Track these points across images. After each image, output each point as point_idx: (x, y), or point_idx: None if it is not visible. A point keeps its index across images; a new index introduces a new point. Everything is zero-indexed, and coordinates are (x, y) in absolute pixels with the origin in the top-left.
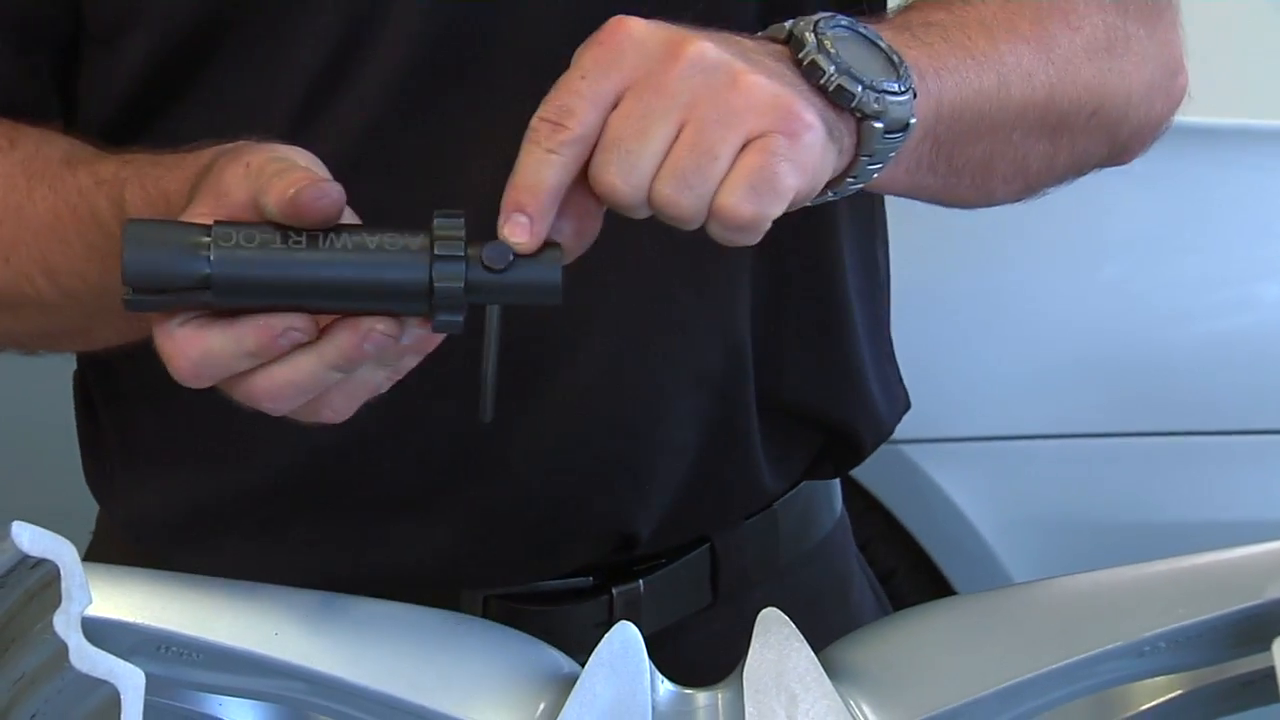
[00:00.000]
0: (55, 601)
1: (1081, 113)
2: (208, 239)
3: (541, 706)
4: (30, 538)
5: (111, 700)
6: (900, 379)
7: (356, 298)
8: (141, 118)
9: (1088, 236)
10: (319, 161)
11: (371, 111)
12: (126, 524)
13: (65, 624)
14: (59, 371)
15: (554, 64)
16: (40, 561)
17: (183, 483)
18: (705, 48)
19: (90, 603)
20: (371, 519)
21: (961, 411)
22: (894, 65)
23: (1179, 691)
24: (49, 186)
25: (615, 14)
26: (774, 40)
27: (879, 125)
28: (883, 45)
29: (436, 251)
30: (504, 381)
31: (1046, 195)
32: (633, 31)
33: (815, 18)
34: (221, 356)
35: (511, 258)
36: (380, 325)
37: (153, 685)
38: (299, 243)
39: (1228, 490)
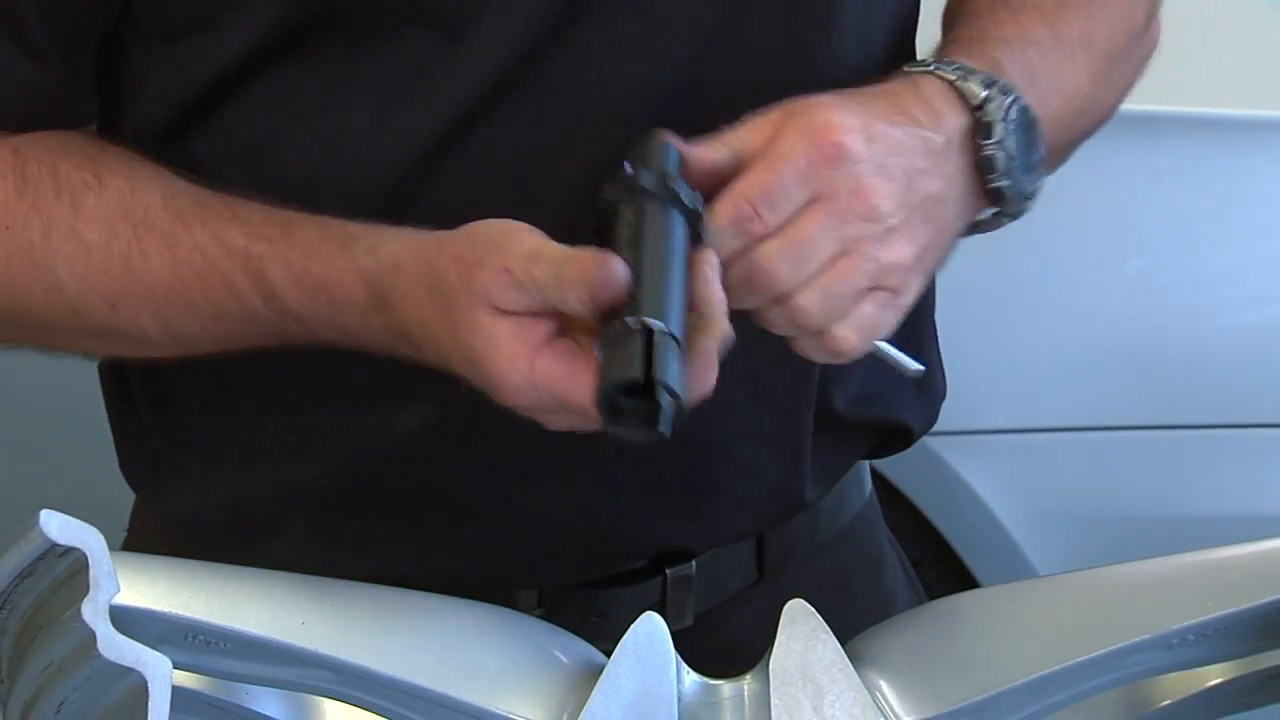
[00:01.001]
0: (83, 590)
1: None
2: None
3: (568, 698)
4: (59, 526)
5: (139, 688)
6: (941, 361)
7: None
8: (204, 116)
9: (1113, 229)
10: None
11: (450, 118)
12: (169, 519)
13: (93, 612)
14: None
15: (635, 72)
16: (68, 550)
17: (231, 480)
18: (893, 189)
19: (118, 591)
20: (430, 523)
21: (985, 404)
22: (1042, 154)
23: (1208, 684)
24: (161, 241)
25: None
26: (966, 103)
27: (1005, 219)
28: (1040, 130)
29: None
30: None
31: (1072, 189)
32: (853, 150)
33: (1011, 97)
34: None
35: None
36: None
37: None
38: None
39: (1255, 484)
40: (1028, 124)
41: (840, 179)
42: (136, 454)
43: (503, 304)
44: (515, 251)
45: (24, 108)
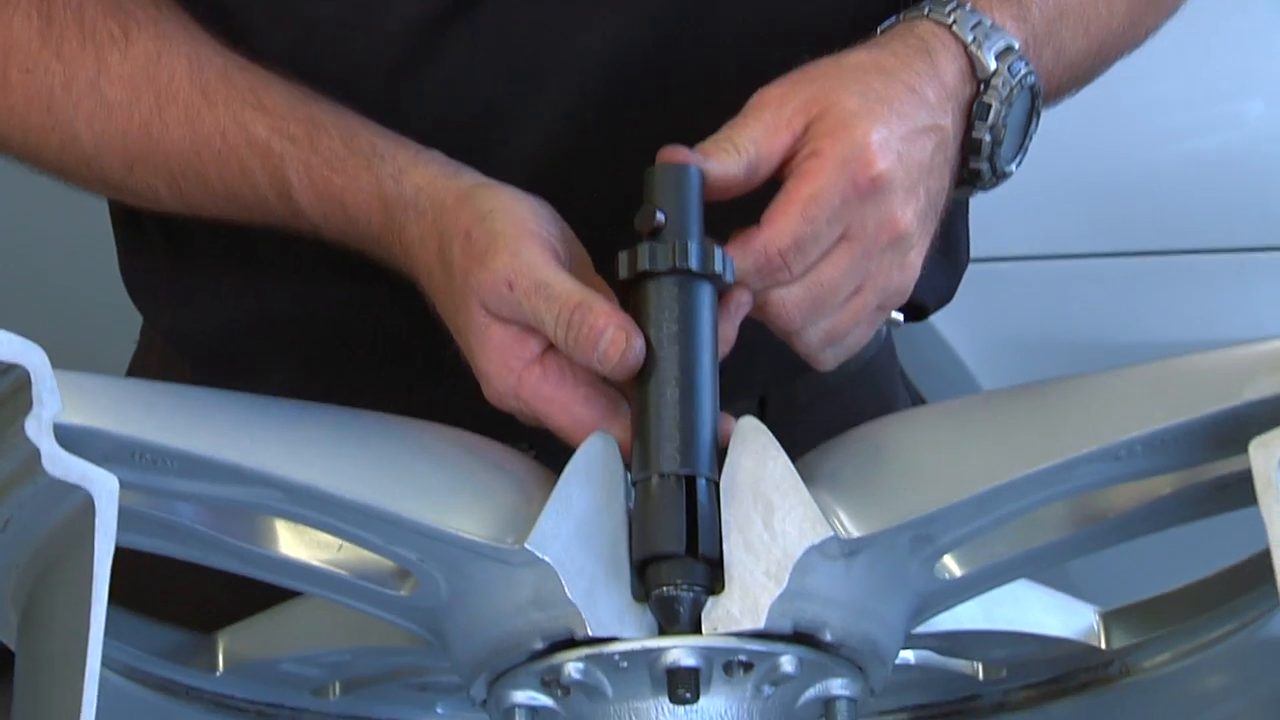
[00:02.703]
0: (26, 406)
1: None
2: None
3: (517, 516)
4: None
5: (85, 506)
6: (968, 232)
7: None
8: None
9: None
10: (555, 217)
11: (541, 145)
12: (170, 335)
13: (37, 428)
14: None
15: (729, 97)
16: (10, 367)
17: (232, 302)
18: (918, 209)
19: (61, 408)
20: (427, 369)
21: None
22: (1032, 134)
23: (1156, 496)
24: (183, 115)
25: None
26: (974, 74)
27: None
28: (1039, 105)
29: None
30: None
31: None
32: (889, 181)
33: (1019, 75)
34: None
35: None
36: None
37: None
38: None
39: (1209, 309)
40: (1027, 104)
41: (871, 212)
42: (137, 262)
43: (497, 312)
44: (523, 270)
45: None
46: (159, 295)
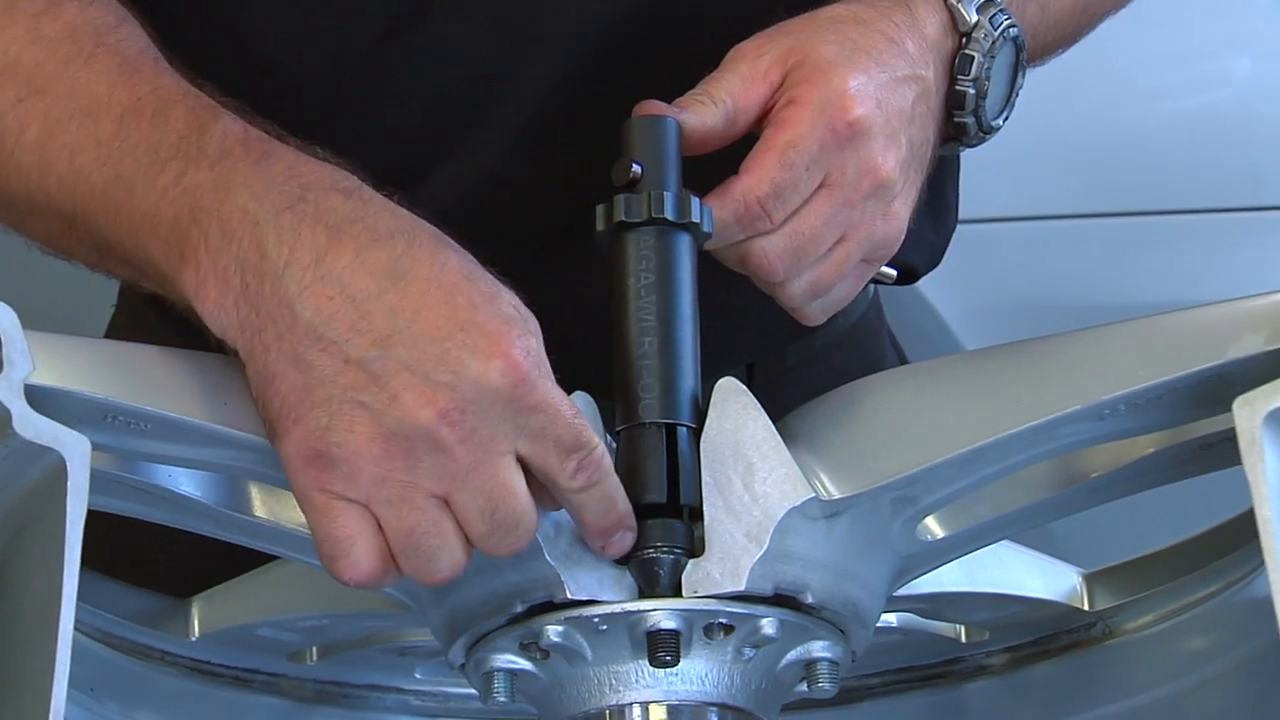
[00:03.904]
0: None
1: None
2: None
3: None
4: None
5: (57, 468)
6: (958, 195)
7: None
8: None
9: None
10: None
11: (533, 110)
12: (148, 296)
13: (8, 389)
14: None
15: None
16: None
17: None
18: (900, 157)
19: (33, 369)
20: None
21: None
22: (1017, 88)
23: (1140, 455)
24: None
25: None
26: (955, 26)
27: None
28: (1024, 58)
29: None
30: None
31: None
32: (868, 126)
33: (1000, 26)
34: None
35: None
36: None
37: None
38: None
39: (1194, 270)
40: (1011, 58)
41: (850, 159)
42: None
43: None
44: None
45: None
46: None
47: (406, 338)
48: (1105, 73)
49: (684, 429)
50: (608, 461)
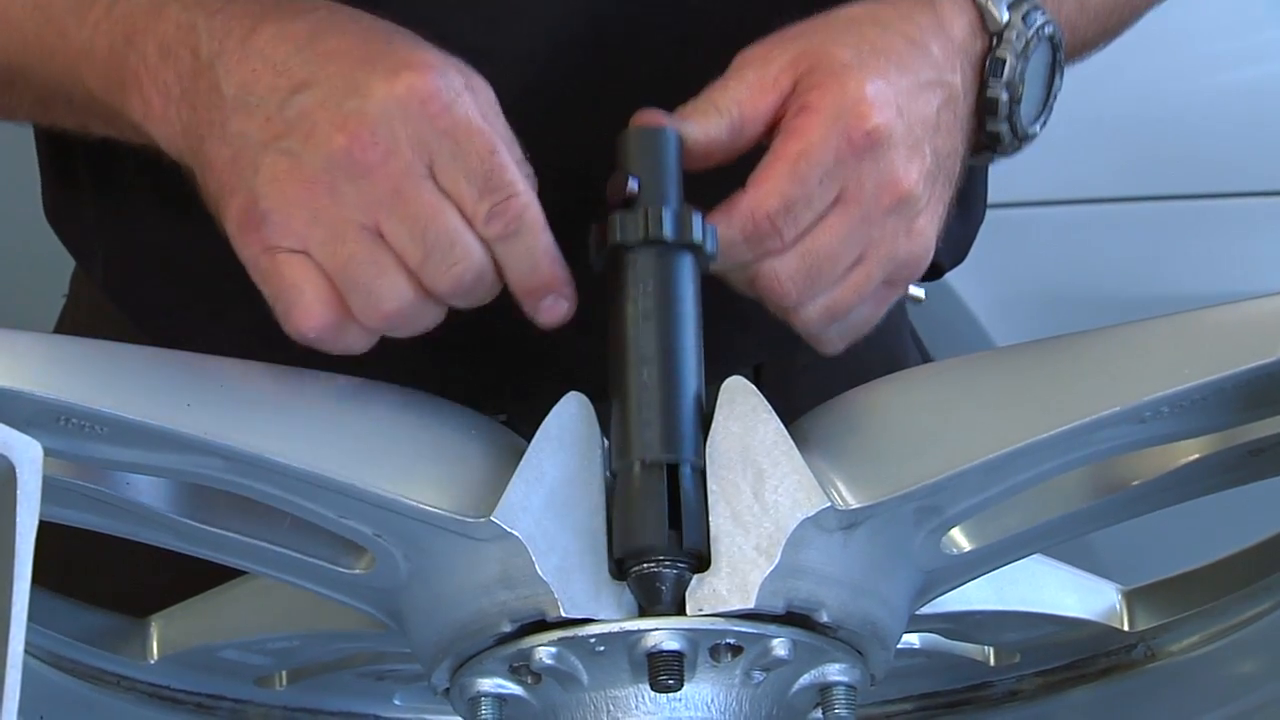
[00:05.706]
0: None
1: None
2: None
3: (485, 486)
4: None
5: (5, 475)
6: (986, 187)
7: None
8: None
9: None
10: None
11: (516, 88)
12: (103, 282)
13: None
14: None
15: (714, 43)
16: None
17: (165, 231)
18: (923, 169)
19: None
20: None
21: None
22: (1056, 83)
23: (1184, 461)
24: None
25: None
26: (985, 28)
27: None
28: (1061, 58)
29: None
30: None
31: None
32: (887, 135)
33: (1035, 26)
34: None
35: None
36: None
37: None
38: None
39: (1244, 259)
40: (1047, 58)
41: (869, 171)
42: (62, 188)
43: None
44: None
45: None
46: (87, 228)
47: (321, 78)
48: (1149, 42)
49: (688, 468)
50: (534, 213)
